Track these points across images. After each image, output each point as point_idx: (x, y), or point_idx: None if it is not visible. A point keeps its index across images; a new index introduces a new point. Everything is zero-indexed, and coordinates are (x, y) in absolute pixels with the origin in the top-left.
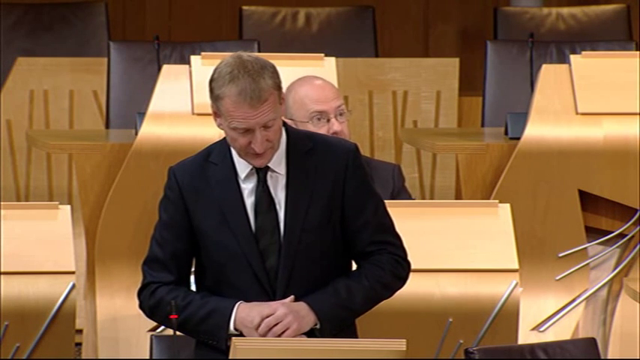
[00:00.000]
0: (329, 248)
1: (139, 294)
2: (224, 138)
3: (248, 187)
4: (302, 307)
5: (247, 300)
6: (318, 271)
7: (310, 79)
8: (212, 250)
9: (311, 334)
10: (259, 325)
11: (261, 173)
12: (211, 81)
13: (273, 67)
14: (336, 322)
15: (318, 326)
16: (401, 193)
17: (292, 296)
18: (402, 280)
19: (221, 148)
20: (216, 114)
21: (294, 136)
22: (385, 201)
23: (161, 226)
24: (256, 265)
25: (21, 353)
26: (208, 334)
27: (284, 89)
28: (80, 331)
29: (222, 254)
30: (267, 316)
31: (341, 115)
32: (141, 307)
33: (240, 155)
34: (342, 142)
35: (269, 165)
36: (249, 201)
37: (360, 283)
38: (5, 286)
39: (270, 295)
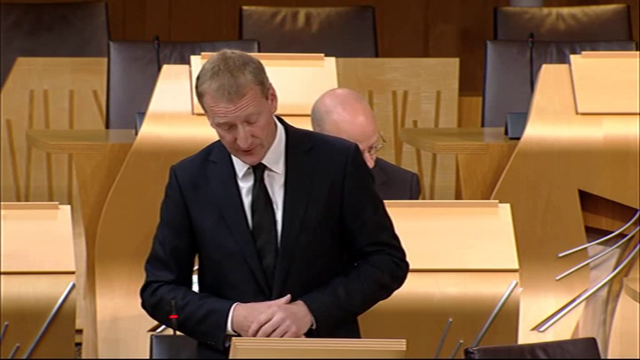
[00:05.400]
0: (327, 248)
1: (142, 293)
2: None
3: (246, 186)
4: (299, 308)
5: (244, 299)
6: (316, 270)
7: (353, 110)
8: (210, 249)
9: (307, 333)
10: (256, 332)
11: (258, 172)
12: (196, 79)
13: (258, 63)
14: (332, 323)
15: (314, 326)
16: None
17: (289, 295)
18: (400, 282)
19: (221, 147)
20: (206, 112)
21: (293, 135)
22: (385, 201)
23: (162, 225)
24: (253, 264)
25: (21, 353)
26: (206, 334)
27: (311, 97)
28: (80, 331)
29: (219, 252)
30: (265, 322)
31: (374, 147)
32: (143, 305)
33: (232, 153)
34: (341, 142)
35: (266, 164)
36: (247, 200)
37: (358, 283)
38: (5, 286)
39: (266, 294)
